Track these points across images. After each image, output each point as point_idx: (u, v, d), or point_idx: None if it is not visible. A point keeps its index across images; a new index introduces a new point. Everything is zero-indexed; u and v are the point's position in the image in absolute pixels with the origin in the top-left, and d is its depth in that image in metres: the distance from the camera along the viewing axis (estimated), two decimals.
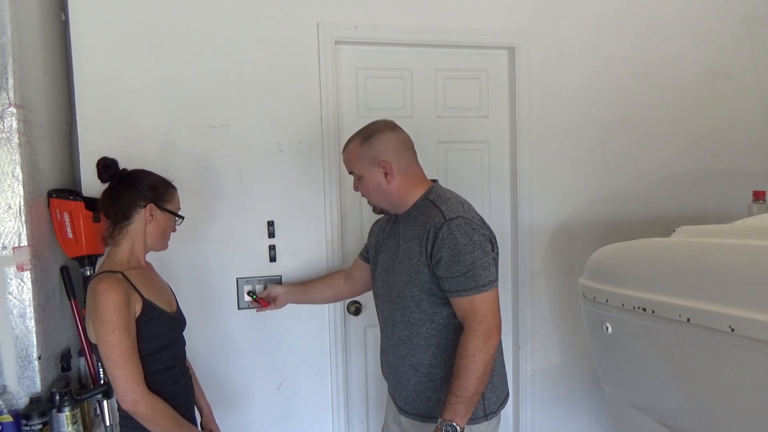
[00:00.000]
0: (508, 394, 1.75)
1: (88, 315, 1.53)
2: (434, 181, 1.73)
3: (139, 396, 1.45)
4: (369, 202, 1.75)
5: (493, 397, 1.65)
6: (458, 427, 1.50)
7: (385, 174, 1.64)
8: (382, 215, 1.85)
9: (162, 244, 1.69)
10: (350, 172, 1.72)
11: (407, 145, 1.69)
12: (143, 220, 1.61)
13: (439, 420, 1.53)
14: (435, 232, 1.54)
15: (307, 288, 2.13)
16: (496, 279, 1.57)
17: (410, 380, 1.67)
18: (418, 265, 1.58)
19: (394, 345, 1.70)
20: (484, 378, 1.52)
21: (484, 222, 1.64)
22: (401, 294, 1.64)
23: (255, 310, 2.19)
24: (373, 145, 1.65)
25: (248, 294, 2.18)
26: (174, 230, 1.72)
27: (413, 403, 1.68)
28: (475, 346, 1.50)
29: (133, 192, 1.61)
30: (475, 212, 1.64)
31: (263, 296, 2.14)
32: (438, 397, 1.63)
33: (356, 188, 1.74)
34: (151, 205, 1.61)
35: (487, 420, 1.63)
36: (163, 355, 1.57)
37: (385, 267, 1.74)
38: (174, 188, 1.71)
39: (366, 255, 1.96)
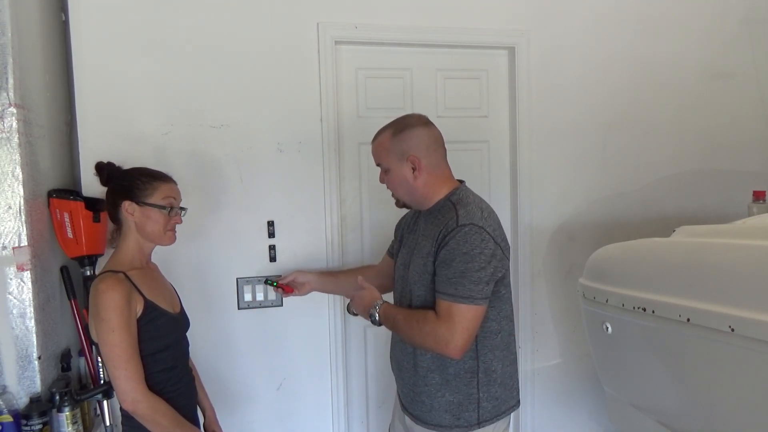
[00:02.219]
0: (513, 405, 1.69)
1: (89, 314, 1.53)
2: (461, 181, 1.70)
3: (139, 396, 1.45)
4: (393, 195, 1.73)
5: (488, 406, 1.61)
6: (378, 318, 1.64)
7: (413, 169, 1.62)
8: (408, 210, 1.83)
9: (160, 239, 1.63)
10: (377, 164, 1.70)
11: (438, 143, 1.67)
12: (128, 218, 1.60)
13: (380, 302, 1.65)
14: (444, 234, 1.54)
15: (337, 279, 2.06)
16: (483, 298, 1.50)
17: (410, 379, 1.67)
18: (426, 265, 1.58)
19: (401, 340, 1.69)
20: (409, 340, 1.62)
21: (499, 234, 1.57)
22: (410, 292, 1.65)
23: (275, 296, 2.21)
24: (404, 140, 1.63)
25: (266, 282, 2.04)
26: (178, 222, 1.67)
27: (411, 403, 1.68)
28: (427, 334, 1.52)
29: (114, 192, 1.61)
30: (494, 221, 1.59)
31: (287, 282, 2.04)
32: (431, 403, 1.61)
33: (382, 180, 1.71)
34: (125, 203, 1.59)
35: (480, 427, 1.60)
36: (165, 356, 1.57)
37: (402, 262, 1.74)
38: (159, 180, 1.64)
39: (392, 250, 1.94)
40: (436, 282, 1.54)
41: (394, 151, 1.63)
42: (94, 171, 1.69)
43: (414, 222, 1.78)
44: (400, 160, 1.62)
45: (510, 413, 1.68)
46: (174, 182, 1.69)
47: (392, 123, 1.68)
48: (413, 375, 1.66)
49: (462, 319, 1.48)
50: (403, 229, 1.86)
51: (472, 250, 1.49)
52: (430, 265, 1.57)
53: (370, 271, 2.05)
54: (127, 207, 1.59)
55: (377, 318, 1.63)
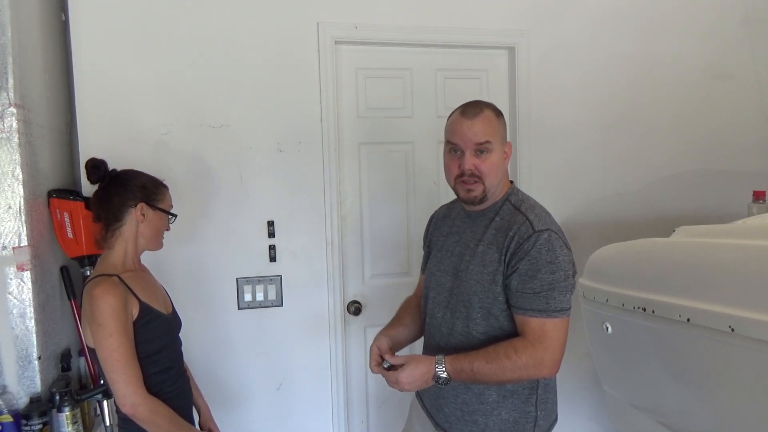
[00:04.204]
0: (556, 418, 1.60)
1: (84, 319, 1.51)
2: (511, 181, 1.58)
3: (139, 399, 1.45)
4: (477, 182, 1.47)
5: (544, 425, 1.53)
6: (448, 379, 1.39)
7: (505, 157, 1.50)
8: (435, 212, 1.74)
9: (156, 244, 1.67)
10: (481, 142, 1.44)
11: None
12: (135, 220, 1.59)
13: (440, 361, 1.38)
14: (519, 242, 1.40)
15: (407, 326, 1.70)
16: (570, 308, 1.41)
17: (458, 397, 1.51)
18: (495, 275, 1.43)
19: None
20: (500, 384, 1.44)
21: (566, 238, 1.47)
22: (468, 303, 1.47)
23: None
24: (503, 124, 1.51)
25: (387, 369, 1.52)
26: (168, 229, 1.70)
27: (457, 423, 1.52)
28: (526, 364, 1.36)
29: (123, 192, 1.59)
30: (558, 225, 1.49)
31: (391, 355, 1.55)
32: (486, 422, 1.47)
33: (469, 164, 1.45)
34: (141, 205, 1.59)
35: None
36: (161, 357, 1.57)
37: (443, 268, 1.57)
38: (165, 187, 1.68)
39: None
40: (519, 297, 1.40)
41: (500, 132, 1.49)
42: (88, 165, 1.60)
43: (449, 225, 1.63)
44: (502, 144, 1.49)
45: (552, 428, 1.57)
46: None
47: (483, 102, 1.51)
48: (464, 392, 1.49)
49: (557, 335, 1.39)
50: (432, 233, 1.70)
51: (556, 258, 1.38)
52: (499, 276, 1.43)
53: (416, 303, 1.75)
54: (142, 209, 1.59)
55: (446, 378, 1.39)
